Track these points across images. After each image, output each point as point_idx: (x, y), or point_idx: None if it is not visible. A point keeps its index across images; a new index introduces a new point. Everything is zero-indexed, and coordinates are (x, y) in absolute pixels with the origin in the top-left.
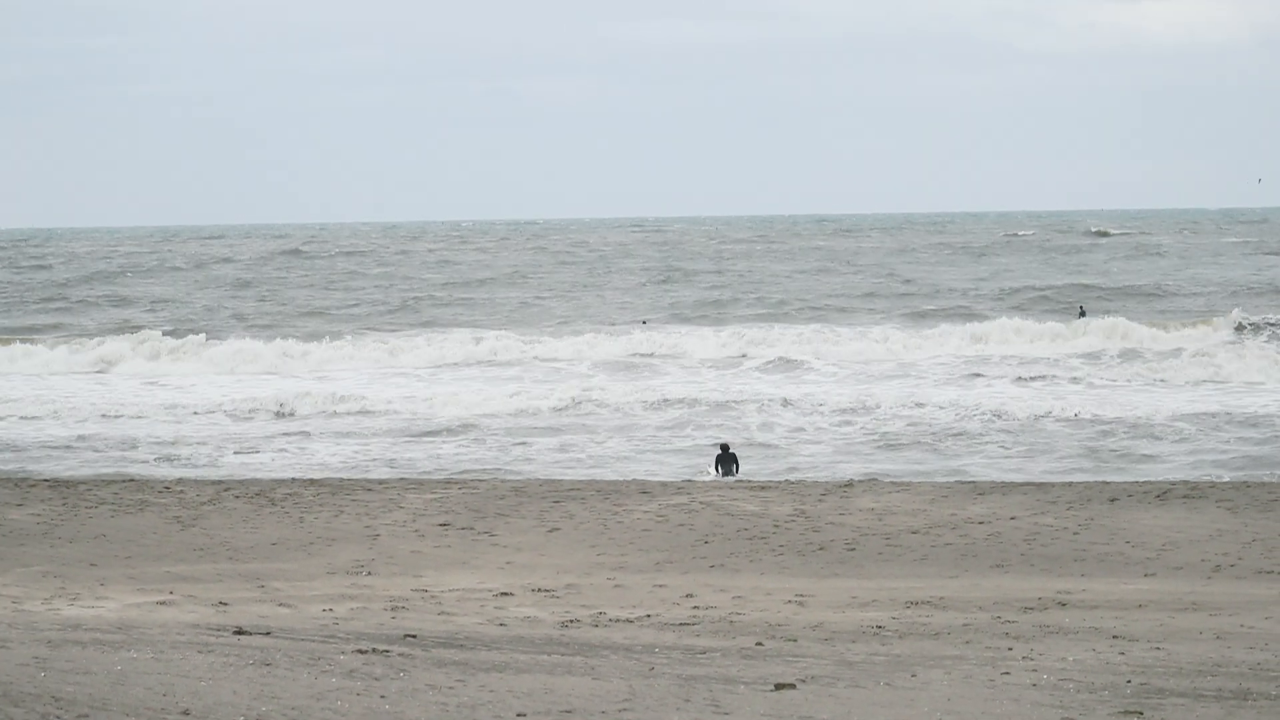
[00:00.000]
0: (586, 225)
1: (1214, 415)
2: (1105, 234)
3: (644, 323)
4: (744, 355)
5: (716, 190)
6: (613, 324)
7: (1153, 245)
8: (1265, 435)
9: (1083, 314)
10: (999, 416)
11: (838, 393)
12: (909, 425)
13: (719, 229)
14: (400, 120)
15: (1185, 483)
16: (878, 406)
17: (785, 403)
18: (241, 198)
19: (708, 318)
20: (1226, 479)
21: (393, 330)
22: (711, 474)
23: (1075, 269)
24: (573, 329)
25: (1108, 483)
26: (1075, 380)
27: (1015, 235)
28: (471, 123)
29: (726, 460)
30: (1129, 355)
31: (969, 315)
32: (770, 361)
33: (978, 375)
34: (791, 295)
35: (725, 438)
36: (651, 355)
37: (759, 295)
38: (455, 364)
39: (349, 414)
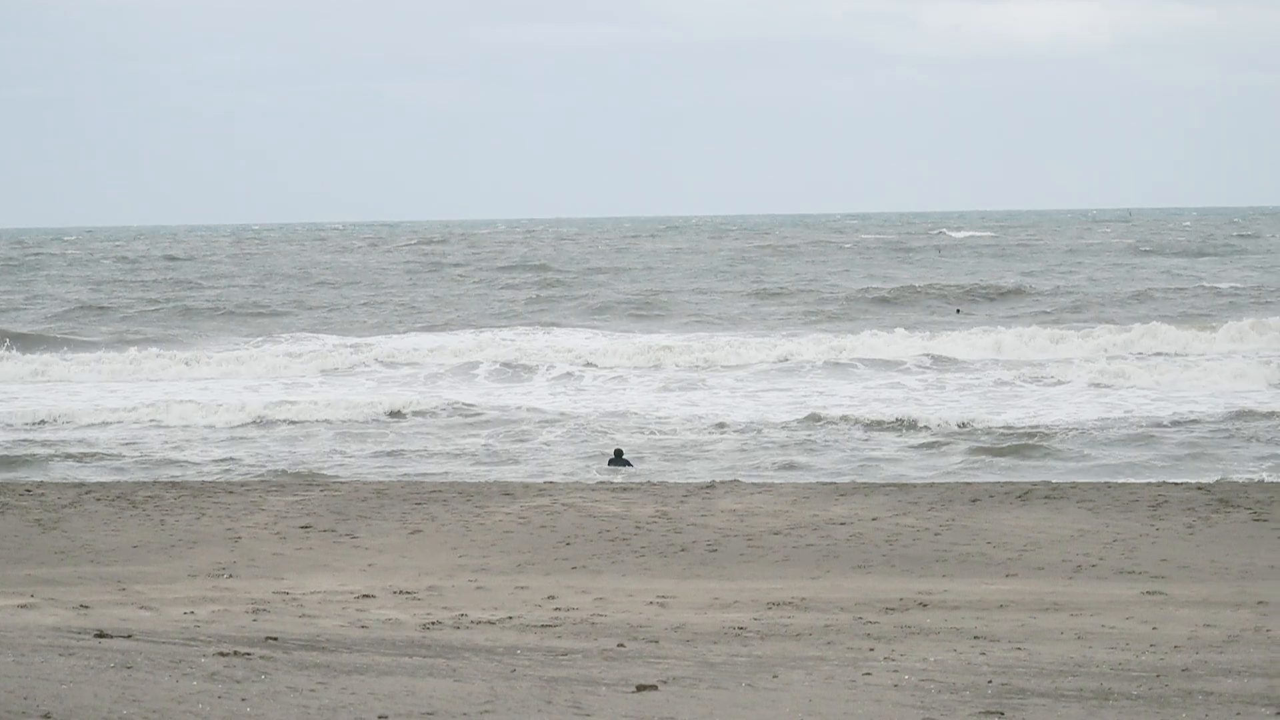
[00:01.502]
0: (451, 226)
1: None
2: (967, 233)
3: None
4: (587, 360)
5: (589, 192)
6: (456, 326)
7: (1017, 245)
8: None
9: (958, 313)
10: (905, 425)
11: (698, 398)
12: (780, 429)
13: (582, 230)
14: (268, 124)
15: (1046, 483)
16: (711, 414)
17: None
18: (104, 199)
19: (541, 320)
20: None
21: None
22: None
23: (948, 267)
24: (417, 330)
25: (969, 483)
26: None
27: (880, 235)
28: (339, 126)
29: (618, 463)
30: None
31: (840, 315)
32: (635, 366)
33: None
34: (635, 296)
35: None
36: (516, 360)
37: (615, 296)
38: (328, 369)
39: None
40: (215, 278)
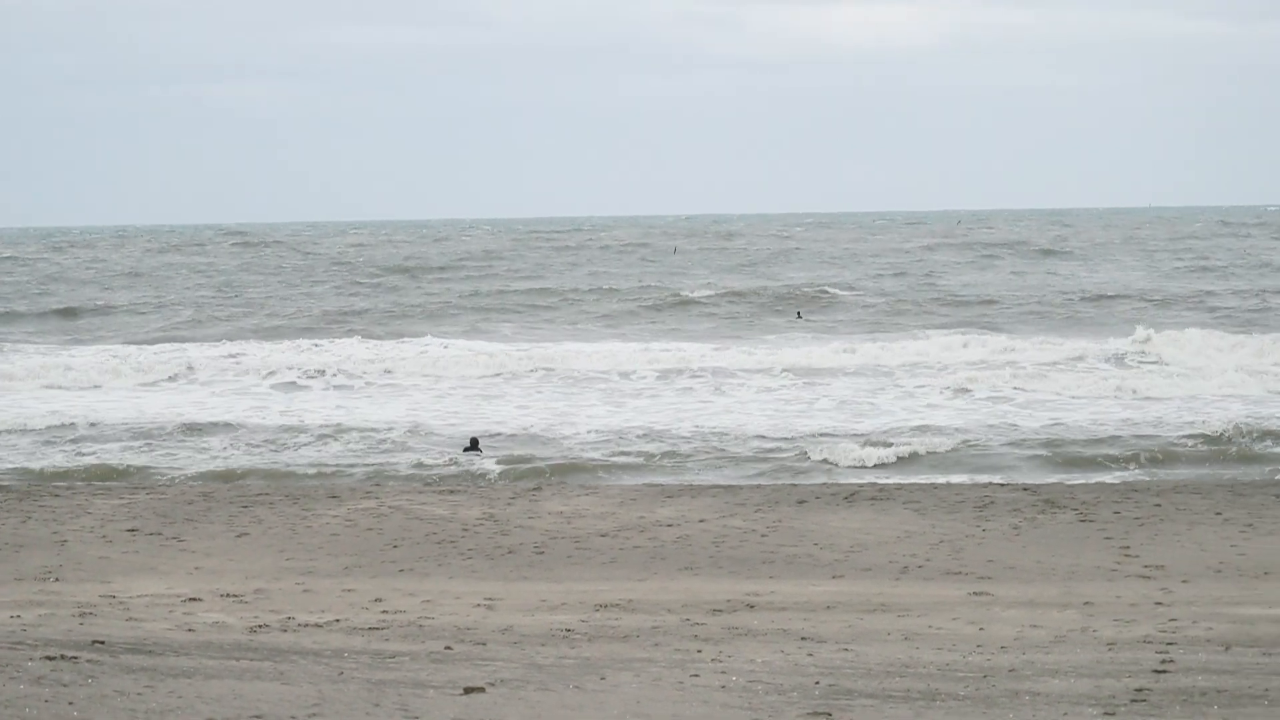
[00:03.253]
0: (276, 228)
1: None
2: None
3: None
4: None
5: (413, 193)
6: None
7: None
8: None
9: (799, 317)
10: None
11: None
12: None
13: (393, 233)
14: (90, 126)
15: (873, 484)
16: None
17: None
18: None
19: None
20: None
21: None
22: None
23: (782, 269)
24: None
25: (796, 485)
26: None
27: (697, 239)
28: (161, 128)
29: (473, 450)
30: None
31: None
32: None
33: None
34: (431, 302)
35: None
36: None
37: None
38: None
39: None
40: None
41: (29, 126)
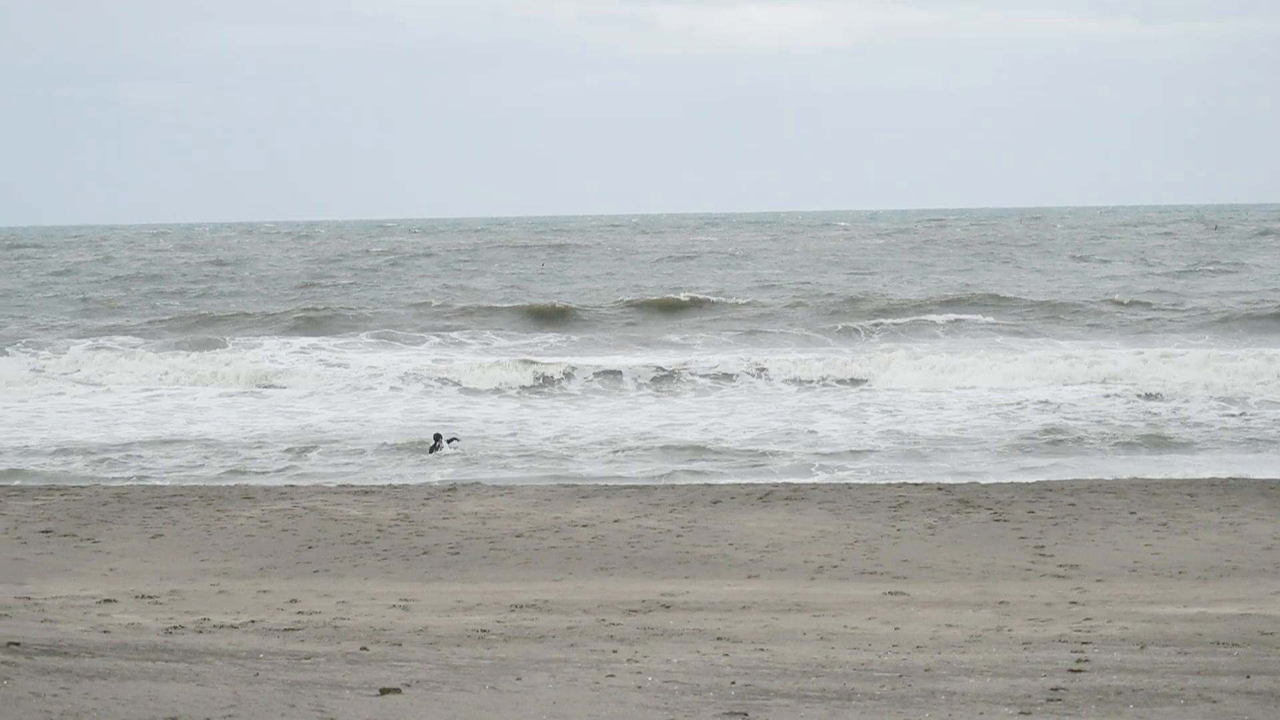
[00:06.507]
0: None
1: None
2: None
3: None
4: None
5: (311, 194)
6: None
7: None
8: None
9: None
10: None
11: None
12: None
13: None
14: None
15: (788, 484)
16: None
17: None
18: None
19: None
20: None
21: None
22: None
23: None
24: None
25: (710, 485)
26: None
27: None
28: (75, 130)
29: (438, 445)
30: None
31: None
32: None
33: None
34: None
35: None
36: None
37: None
38: None
39: None
40: None
41: None
